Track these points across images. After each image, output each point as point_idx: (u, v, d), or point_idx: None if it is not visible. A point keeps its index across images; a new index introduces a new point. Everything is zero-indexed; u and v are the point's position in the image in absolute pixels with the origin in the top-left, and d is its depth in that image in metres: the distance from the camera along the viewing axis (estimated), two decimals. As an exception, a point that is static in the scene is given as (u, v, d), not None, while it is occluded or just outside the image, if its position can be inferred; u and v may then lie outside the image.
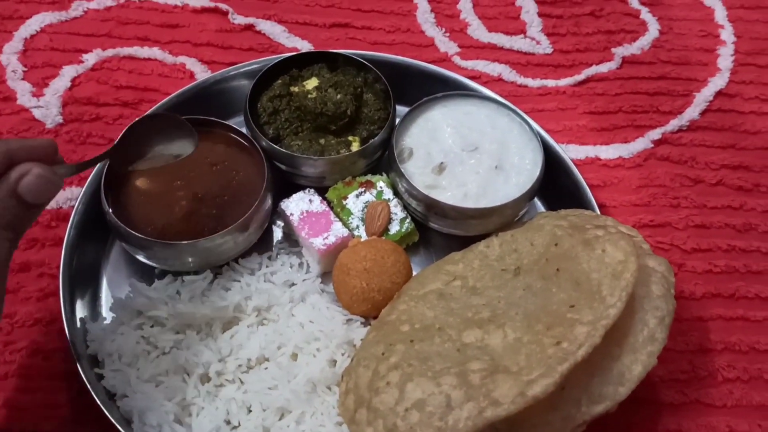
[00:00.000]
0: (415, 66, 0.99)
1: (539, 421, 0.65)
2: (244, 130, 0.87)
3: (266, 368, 0.74)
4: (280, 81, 0.91)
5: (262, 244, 0.87)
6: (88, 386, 0.71)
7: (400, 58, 1.00)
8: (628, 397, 0.68)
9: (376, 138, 0.87)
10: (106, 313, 0.81)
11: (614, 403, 0.66)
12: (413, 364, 0.67)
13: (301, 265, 0.85)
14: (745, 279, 0.89)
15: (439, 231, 0.88)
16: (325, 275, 0.85)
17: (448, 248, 0.87)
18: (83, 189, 0.85)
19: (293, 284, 0.83)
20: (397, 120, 0.90)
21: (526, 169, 0.87)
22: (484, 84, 1.04)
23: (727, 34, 1.13)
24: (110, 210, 0.79)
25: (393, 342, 0.71)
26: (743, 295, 0.88)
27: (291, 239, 0.88)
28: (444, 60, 1.08)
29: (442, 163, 0.87)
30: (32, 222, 0.62)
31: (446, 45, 1.10)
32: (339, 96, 0.88)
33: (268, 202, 0.84)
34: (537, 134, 0.88)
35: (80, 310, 0.80)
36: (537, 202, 0.94)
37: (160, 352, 0.75)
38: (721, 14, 1.16)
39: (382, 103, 0.91)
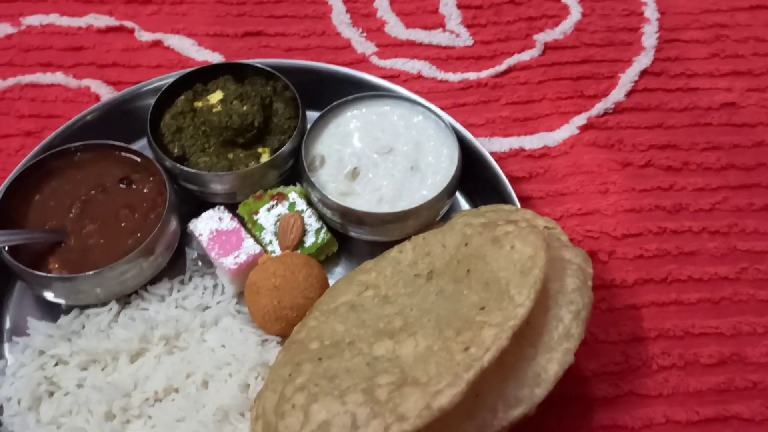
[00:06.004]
0: (327, 70, 0.95)
1: (455, 431, 0.62)
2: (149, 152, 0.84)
3: (173, 400, 0.70)
4: (183, 97, 0.87)
5: (175, 268, 0.83)
6: (-16, 436, 0.68)
7: (311, 63, 0.96)
8: (557, 396, 0.66)
9: (284, 147, 0.84)
10: (9, 356, 0.77)
11: (532, 405, 0.63)
12: (320, 384, 0.64)
13: (216, 287, 0.81)
14: (678, 261, 0.86)
15: (359, 238, 0.85)
16: (242, 295, 0.82)
17: (370, 255, 0.83)
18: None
19: (207, 308, 0.79)
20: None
21: (443, 168, 0.84)
22: (404, 82, 1.01)
23: (650, 11, 1.10)
24: (5, 248, 0.75)
25: (300, 362, 0.67)
26: (676, 278, 0.85)
27: (206, 260, 0.85)
28: (362, 61, 1.05)
29: (355, 168, 0.84)
30: None
31: (363, 45, 1.06)
32: (245, 107, 0.85)
33: (173, 223, 0.80)
34: (452, 131, 0.85)
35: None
36: (461, 199, 0.91)
37: (64, 392, 0.72)
38: (644, -9, 1.13)
39: (293, 111, 0.87)
